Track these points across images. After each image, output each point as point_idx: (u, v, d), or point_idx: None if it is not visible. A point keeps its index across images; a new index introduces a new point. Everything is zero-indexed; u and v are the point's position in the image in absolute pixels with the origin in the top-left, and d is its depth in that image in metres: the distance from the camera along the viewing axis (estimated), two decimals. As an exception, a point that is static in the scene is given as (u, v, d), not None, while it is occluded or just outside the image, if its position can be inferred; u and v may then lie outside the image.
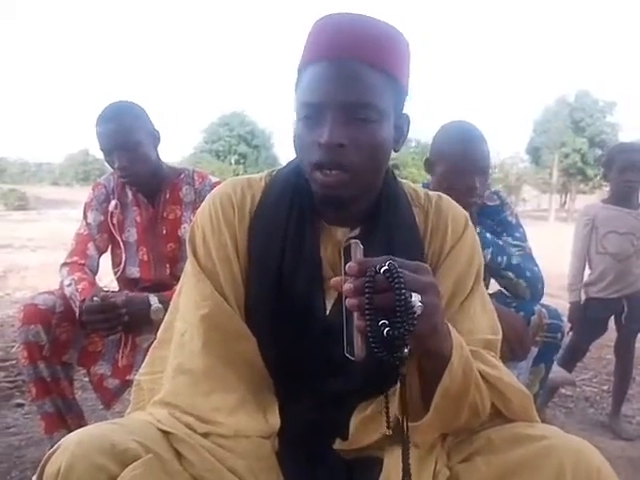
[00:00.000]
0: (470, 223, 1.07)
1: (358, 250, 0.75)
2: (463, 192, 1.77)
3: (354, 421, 0.99)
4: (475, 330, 0.97)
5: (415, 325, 0.70)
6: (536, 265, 1.88)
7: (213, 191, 1.07)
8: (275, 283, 0.99)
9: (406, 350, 0.72)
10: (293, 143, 0.97)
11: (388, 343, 0.70)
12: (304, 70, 0.95)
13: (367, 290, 0.70)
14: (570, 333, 2.69)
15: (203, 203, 1.07)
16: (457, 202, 1.07)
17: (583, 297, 2.79)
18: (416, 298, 0.71)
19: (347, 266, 0.73)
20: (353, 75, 0.90)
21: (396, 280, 0.70)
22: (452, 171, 1.79)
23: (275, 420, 0.95)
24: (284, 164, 1.10)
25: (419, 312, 0.71)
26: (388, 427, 0.85)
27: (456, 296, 0.99)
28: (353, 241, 0.76)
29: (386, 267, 0.71)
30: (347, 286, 0.71)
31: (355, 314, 0.71)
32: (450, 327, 0.82)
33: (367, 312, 0.70)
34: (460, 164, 1.77)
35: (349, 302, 0.71)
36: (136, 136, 1.84)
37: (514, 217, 1.98)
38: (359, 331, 0.72)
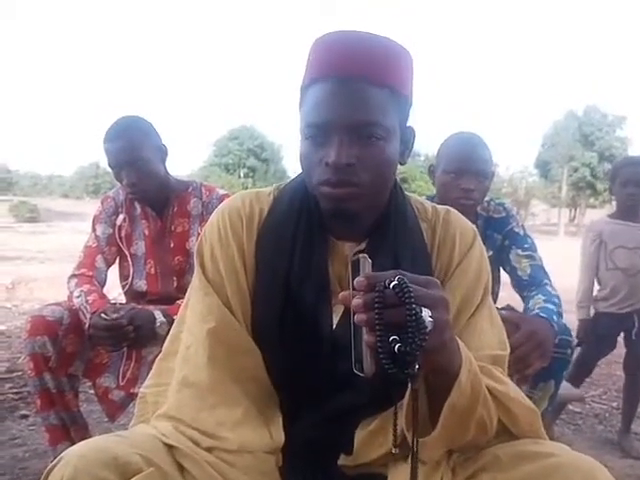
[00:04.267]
0: (478, 237, 1.07)
1: (367, 265, 0.74)
2: (457, 193, 1.81)
3: (358, 436, 0.98)
4: (483, 346, 0.96)
5: (426, 341, 0.69)
6: (547, 275, 1.87)
7: (222, 205, 1.07)
8: (282, 297, 0.98)
9: (417, 366, 0.70)
10: (299, 160, 0.97)
11: (399, 359, 0.69)
12: (308, 88, 0.95)
13: (377, 305, 0.69)
14: (578, 349, 2.66)
15: (212, 216, 1.07)
16: (453, 204, 1.07)
17: (592, 312, 2.77)
18: (426, 313, 0.70)
19: (355, 281, 0.71)
20: (358, 94, 0.90)
21: (406, 295, 0.68)
22: (447, 171, 1.84)
23: (279, 435, 0.94)
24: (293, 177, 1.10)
25: (430, 327, 0.70)
26: (395, 445, 0.83)
27: (464, 311, 0.99)
28: (362, 255, 0.75)
29: (395, 282, 0.69)
30: (356, 301, 0.70)
31: (364, 329, 0.70)
32: (459, 342, 0.81)
33: (377, 327, 0.68)
34: (454, 164, 1.82)
35: (358, 317, 0.70)
36: (144, 153, 1.85)
37: (521, 228, 1.97)
38: (369, 347, 0.70)
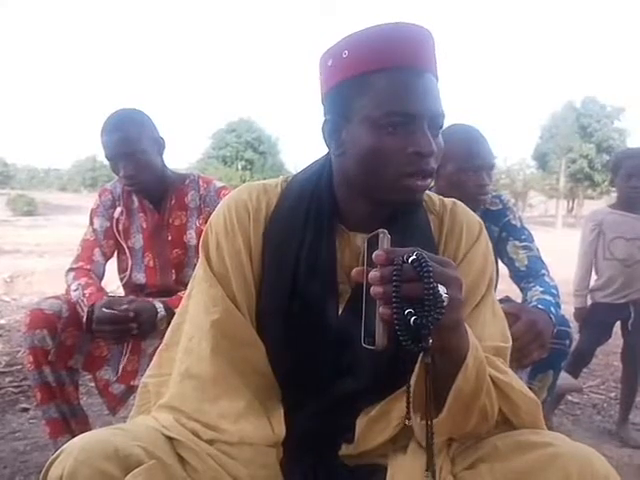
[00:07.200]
0: (484, 230, 1.07)
1: (386, 240, 0.75)
2: (474, 189, 1.84)
3: (360, 423, 0.98)
4: (485, 337, 0.96)
5: (443, 314, 0.70)
6: (544, 266, 1.89)
7: (228, 197, 1.07)
8: (289, 288, 0.98)
9: (430, 340, 0.71)
10: (366, 152, 0.93)
11: (414, 332, 0.70)
12: (372, 77, 0.91)
13: (395, 278, 0.70)
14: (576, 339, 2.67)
15: (218, 208, 1.06)
16: (469, 200, 1.08)
17: (589, 302, 2.78)
18: (442, 290, 0.71)
19: (374, 254, 0.72)
20: (432, 85, 0.93)
21: (424, 270, 0.70)
22: (463, 169, 1.85)
23: (280, 428, 0.95)
24: (290, 170, 1.10)
25: (446, 303, 0.71)
26: (408, 417, 0.84)
27: (468, 302, 0.98)
28: (381, 231, 0.76)
29: (414, 257, 0.71)
30: (373, 274, 0.71)
31: (378, 303, 0.71)
32: (467, 328, 0.82)
33: (394, 300, 0.69)
34: (470, 161, 1.84)
35: (374, 290, 0.71)
36: (141, 145, 1.84)
37: (518, 220, 1.99)
38: (383, 320, 0.72)
